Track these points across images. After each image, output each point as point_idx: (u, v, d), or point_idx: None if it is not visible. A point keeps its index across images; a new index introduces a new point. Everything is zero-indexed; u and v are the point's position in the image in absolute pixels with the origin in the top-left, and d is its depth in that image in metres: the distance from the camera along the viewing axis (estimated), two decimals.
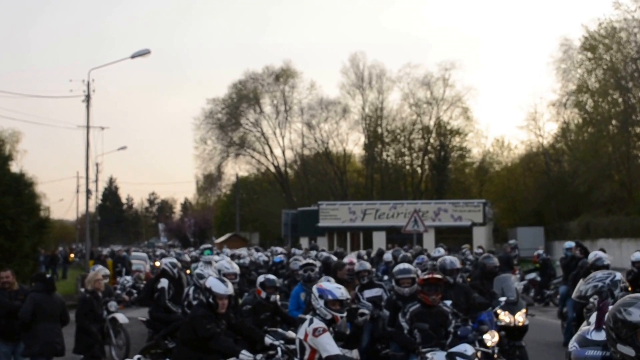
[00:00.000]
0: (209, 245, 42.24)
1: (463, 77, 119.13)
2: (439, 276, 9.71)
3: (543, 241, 46.96)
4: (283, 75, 73.16)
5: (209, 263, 14.73)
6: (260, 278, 11.66)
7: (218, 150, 74.38)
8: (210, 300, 8.89)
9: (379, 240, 48.31)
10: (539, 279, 27.13)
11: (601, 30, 51.97)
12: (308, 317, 7.95)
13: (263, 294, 11.24)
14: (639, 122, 50.11)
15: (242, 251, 28.12)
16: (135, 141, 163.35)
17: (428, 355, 8.54)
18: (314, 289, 7.95)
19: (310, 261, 14.35)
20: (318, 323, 7.61)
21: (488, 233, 54.06)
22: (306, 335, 7.62)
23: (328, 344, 7.46)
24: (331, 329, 7.71)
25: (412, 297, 10.31)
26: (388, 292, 12.98)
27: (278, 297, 13.60)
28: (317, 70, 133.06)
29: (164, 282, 13.35)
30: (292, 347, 8.87)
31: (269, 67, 73.47)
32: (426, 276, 9.68)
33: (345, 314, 7.97)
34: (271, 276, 11.83)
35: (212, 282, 9.05)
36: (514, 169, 66.49)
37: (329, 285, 7.98)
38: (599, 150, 50.88)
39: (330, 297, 7.71)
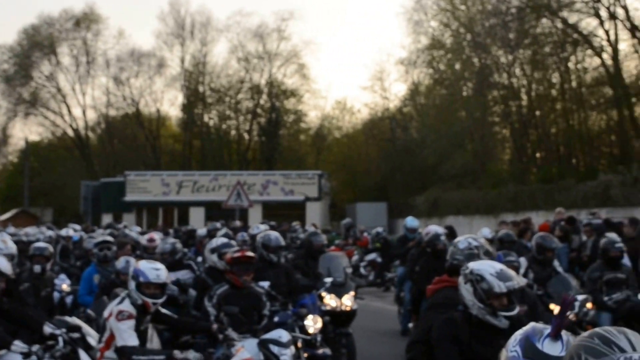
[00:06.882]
0: None
1: (303, 29, 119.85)
2: (251, 254, 9.79)
3: (386, 218, 48.17)
4: (85, 20, 71.38)
5: None
6: (30, 250, 11.77)
7: (3, 108, 71.70)
8: None
9: (197, 216, 48.32)
10: (379, 260, 27.55)
11: None
12: (123, 293, 7.96)
13: (37, 268, 11.29)
14: (496, 84, 50.89)
15: (31, 230, 27.42)
16: None
17: (237, 343, 8.67)
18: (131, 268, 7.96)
19: (108, 238, 14.30)
20: (127, 306, 7.61)
21: (324, 209, 54.93)
22: (110, 314, 7.62)
23: (126, 332, 7.46)
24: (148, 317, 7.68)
25: None
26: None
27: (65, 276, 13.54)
28: (128, 16, 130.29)
29: None
30: (75, 335, 8.83)
31: (67, 10, 71.47)
32: (236, 254, 9.73)
33: (161, 300, 7.96)
34: (41, 244, 11.99)
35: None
36: (355, 136, 67.24)
37: (146, 265, 7.96)
38: (450, 115, 52.20)
39: (142, 278, 7.69)
